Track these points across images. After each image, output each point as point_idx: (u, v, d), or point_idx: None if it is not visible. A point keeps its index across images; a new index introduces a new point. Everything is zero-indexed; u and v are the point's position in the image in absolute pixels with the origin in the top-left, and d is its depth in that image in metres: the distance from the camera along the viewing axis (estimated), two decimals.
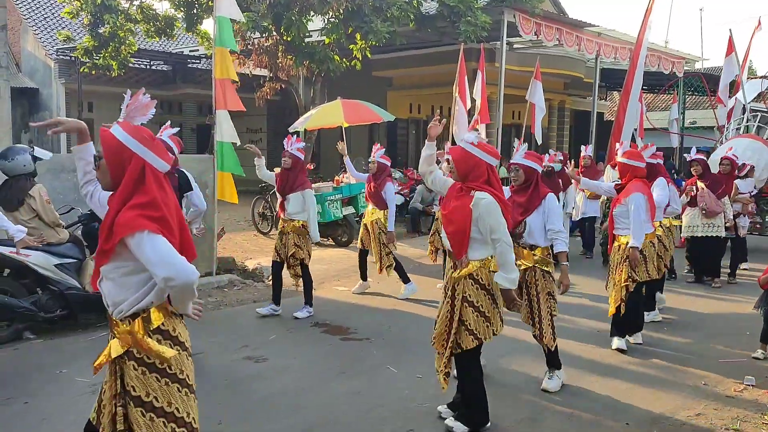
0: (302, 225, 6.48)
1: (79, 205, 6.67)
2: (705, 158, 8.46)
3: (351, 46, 12.62)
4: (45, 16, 20.00)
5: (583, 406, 4.47)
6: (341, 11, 11.97)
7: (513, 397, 4.62)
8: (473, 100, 10.53)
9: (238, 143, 7.95)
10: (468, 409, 4.00)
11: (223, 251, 8.68)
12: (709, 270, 8.53)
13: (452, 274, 3.91)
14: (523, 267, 4.50)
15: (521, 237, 4.55)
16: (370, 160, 7.50)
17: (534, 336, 4.65)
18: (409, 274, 7.66)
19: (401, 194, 12.16)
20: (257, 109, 17.02)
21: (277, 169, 6.85)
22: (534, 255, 4.56)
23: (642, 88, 12.17)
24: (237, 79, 8.15)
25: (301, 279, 6.65)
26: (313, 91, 14.32)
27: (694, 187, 8.22)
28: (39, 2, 20.31)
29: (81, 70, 15.57)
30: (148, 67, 20.64)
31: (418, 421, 4.13)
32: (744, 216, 9.13)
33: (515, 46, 16.27)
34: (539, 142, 11.71)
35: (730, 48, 12.47)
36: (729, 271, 8.84)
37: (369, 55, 12.85)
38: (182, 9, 13.95)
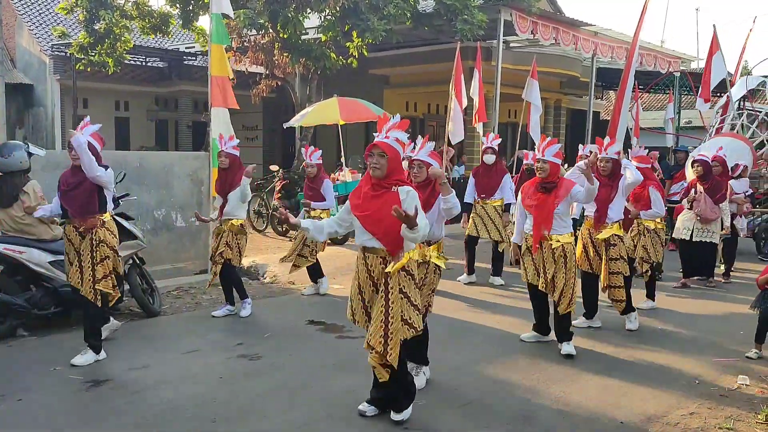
0: (240, 225, 6.44)
1: None
2: (708, 159, 8.10)
3: (347, 44, 12.61)
4: (40, 11, 19.92)
5: (576, 404, 4.47)
6: (338, 9, 11.96)
7: (505, 394, 4.62)
8: (470, 99, 10.53)
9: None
10: (406, 395, 4.10)
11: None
12: (703, 271, 8.34)
13: (384, 270, 3.92)
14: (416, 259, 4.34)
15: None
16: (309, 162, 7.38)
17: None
18: None
19: None
20: (253, 107, 17.00)
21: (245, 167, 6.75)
22: (430, 250, 4.59)
23: (639, 88, 12.19)
24: (232, 76, 8.13)
25: (218, 278, 6.48)
26: (309, 89, 14.30)
27: (694, 190, 8.00)
28: None
29: (76, 66, 15.52)
30: (143, 63, 20.58)
31: (412, 418, 4.12)
32: (741, 217, 9.12)
33: (512, 44, 16.30)
34: (537, 141, 11.70)
35: (715, 45, 12.28)
36: (723, 271, 8.84)
37: (365, 53, 12.85)
38: (178, 5, 13.92)
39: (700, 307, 7.33)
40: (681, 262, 8.41)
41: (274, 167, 12.87)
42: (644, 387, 4.82)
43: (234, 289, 6.56)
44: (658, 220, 7.10)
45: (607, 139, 6.05)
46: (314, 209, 7.23)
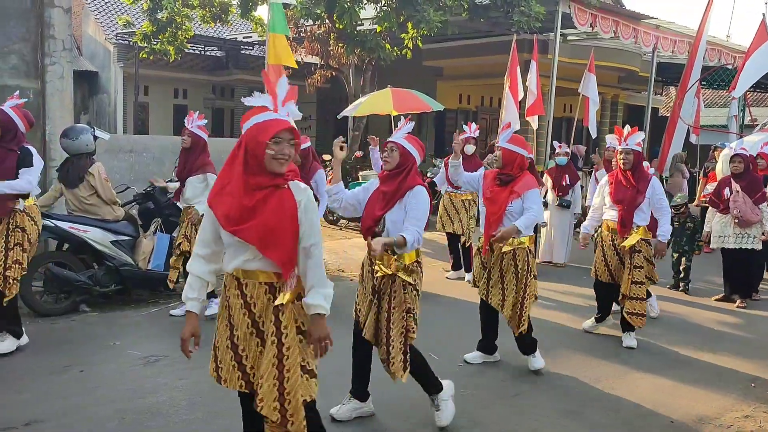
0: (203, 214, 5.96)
1: (135, 184, 6.90)
2: (747, 154, 7.20)
3: (402, 35, 12.60)
4: (106, 1, 20.56)
5: (626, 401, 4.42)
6: (394, 0, 11.97)
7: (553, 388, 4.59)
8: (526, 89, 10.41)
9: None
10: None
11: None
12: (740, 287, 7.23)
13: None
14: (380, 274, 3.72)
15: (380, 236, 3.69)
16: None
17: (381, 360, 3.77)
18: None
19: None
20: (307, 97, 17.19)
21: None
22: (397, 261, 3.68)
23: (701, 84, 11.73)
24: (294, 65, 8.18)
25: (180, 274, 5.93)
26: (363, 80, 14.37)
27: (728, 189, 7.09)
28: None
29: (140, 55, 15.96)
30: (202, 52, 21.02)
31: (459, 409, 4.13)
32: None
33: (569, 37, 15.99)
34: (594, 135, 11.49)
35: (763, 35, 10.51)
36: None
37: (420, 45, 12.82)
38: None
39: (757, 307, 7.10)
40: (723, 276, 7.53)
41: (327, 156, 13.02)
42: (698, 387, 4.72)
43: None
44: None
45: (627, 128, 5.43)
46: None
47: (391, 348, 3.66)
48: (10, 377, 4.38)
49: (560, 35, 12.03)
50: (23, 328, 4.93)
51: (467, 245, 7.70)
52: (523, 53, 13.07)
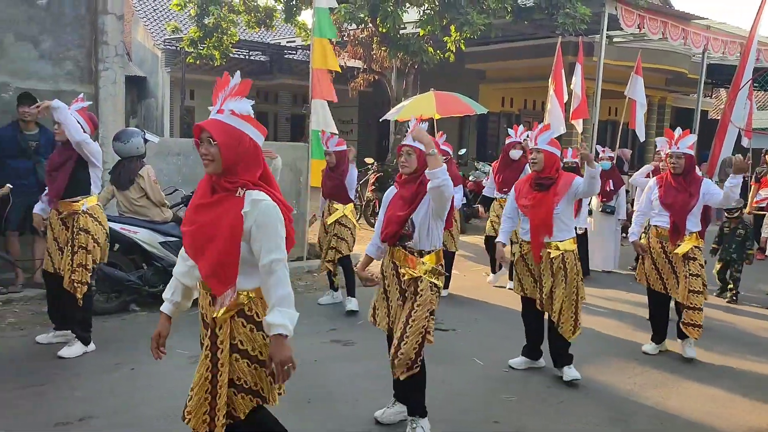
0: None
1: (183, 186, 7.05)
2: None
3: (445, 38, 12.58)
4: (154, 8, 21.08)
5: (674, 410, 4.32)
6: (437, 3, 11.96)
7: (598, 395, 4.52)
8: (570, 92, 10.28)
9: (336, 132, 8.06)
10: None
11: (313, 237, 8.89)
12: None
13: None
14: (406, 277, 3.66)
15: (410, 239, 3.66)
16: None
17: (390, 356, 3.71)
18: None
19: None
20: (349, 101, 17.28)
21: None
22: (423, 263, 3.64)
23: (753, 86, 11.44)
24: (338, 69, 8.27)
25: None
26: (405, 83, 14.39)
27: None
28: None
29: (187, 60, 16.31)
30: (246, 57, 21.35)
31: (503, 415, 4.12)
32: None
33: (615, 39, 15.73)
34: (642, 139, 11.27)
35: None
36: None
37: (463, 48, 12.78)
38: (282, 0, 14.35)
39: None
40: None
41: (369, 159, 13.12)
42: (751, 399, 4.59)
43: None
44: None
45: (678, 131, 5.21)
46: (335, 206, 6.47)
47: (403, 343, 3.56)
48: (66, 374, 4.53)
49: (606, 37, 11.86)
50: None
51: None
52: (568, 56, 12.89)
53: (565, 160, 7.97)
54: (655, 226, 5.30)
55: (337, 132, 7.99)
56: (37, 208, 5.06)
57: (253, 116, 2.60)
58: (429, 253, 3.66)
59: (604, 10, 11.79)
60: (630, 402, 4.44)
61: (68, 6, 6.84)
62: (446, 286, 7.14)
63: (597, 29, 12.34)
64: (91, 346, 4.96)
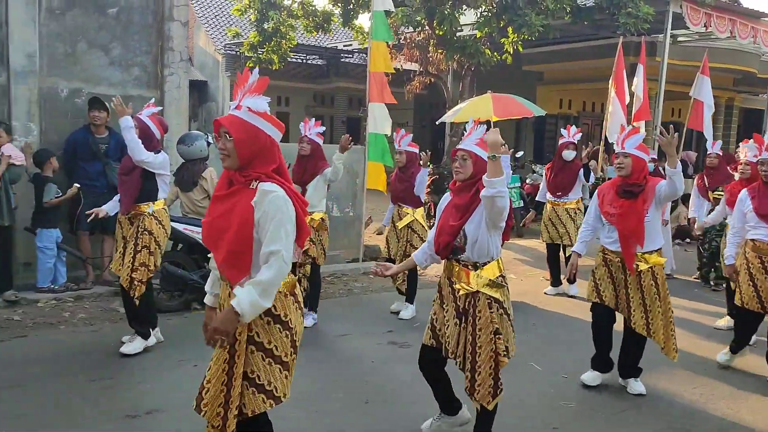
0: (321, 219, 5.93)
1: None
2: None
3: (502, 40, 12.48)
4: (215, 14, 21.64)
5: (744, 423, 4.16)
6: (494, 4, 11.88)
7: (662, 405, 4.39)
8: (632, 94, 10.04)
9: (389, 134, 8.11)
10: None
11: (369, 239, 8.97)
12: None
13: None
14: (462, 293, 3.40)
15: (462, 251, 3.41)
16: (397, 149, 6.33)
17: (465, 389, 3.46)
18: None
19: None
20: (405, 103, 17.32)
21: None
22: (479, 276, 3.37)
23: None
24: (392, 70, 8.33)
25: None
26: (462, 85, 14.34)
27: None
28: (210, 1, 22.01)
29: (247, 64, 16.67)
30: (304, 61, 21.66)
31: (561, 421, 4.06)
32: None
33: (679, 38, 15.29)
34: (710, 141, 10.88)
35: None
36: None
37: (520, 49, 12.65)
38: (339, 5, 14.51)
39: None
40: None
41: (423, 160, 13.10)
42: None
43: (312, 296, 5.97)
44: None
45: None
46: (405, 210, 6.29)
47: (477, 375, 3.33)
48: (134, 369, 4.70)
49: (670, 36, 11.54)
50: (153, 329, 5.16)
51: (567, 255, 7.33)
52: (629, 56, 12.60)
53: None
54: (752, 240, 4.86)
55: (388, 133, 8.04)
56: (107, 206, 5.19)
57: (269, 113, 2.65)
58: (485, 264, 3.40)
59: (669, 9, 11.48)
60: (691, 413, 4.31)
61: (136, 14, 7.10)
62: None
63: (660, 29, 12.03)
64: (151, 340, 5.11)
